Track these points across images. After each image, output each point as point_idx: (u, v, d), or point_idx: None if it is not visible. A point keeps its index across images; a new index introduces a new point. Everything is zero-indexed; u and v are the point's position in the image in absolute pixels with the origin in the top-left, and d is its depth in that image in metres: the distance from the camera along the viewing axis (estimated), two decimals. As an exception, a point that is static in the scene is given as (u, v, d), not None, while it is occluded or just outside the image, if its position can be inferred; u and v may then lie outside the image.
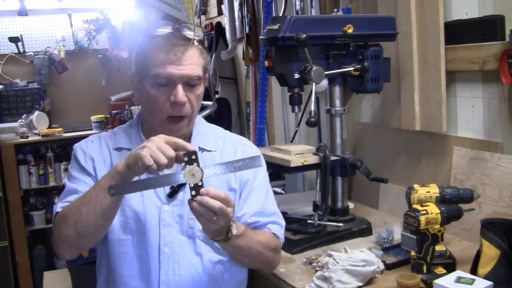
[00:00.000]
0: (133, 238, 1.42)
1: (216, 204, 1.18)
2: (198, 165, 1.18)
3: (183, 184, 1.43)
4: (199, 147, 1.51)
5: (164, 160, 1.19)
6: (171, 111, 1.41)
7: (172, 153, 1.21)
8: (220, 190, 1.21)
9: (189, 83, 1.41)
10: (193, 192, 1.18)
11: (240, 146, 1.56)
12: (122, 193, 1.21)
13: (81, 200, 1.33)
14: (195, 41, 1.42)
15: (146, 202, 1.43)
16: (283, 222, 1.55)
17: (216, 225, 1.22)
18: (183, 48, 1.39)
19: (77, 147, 1.51)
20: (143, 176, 1.27)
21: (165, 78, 1.38)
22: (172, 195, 1.44)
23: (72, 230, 1.32)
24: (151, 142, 1.22)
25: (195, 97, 1.44)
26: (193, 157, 1.19)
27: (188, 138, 1.51)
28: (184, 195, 1.44)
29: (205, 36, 3.86)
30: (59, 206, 1.41)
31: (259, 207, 1.50)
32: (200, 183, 1.18)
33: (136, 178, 1.27)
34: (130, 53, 4.14)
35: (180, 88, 1.39)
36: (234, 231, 1.29)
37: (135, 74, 1.47)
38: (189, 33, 1.41)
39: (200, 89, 1.45)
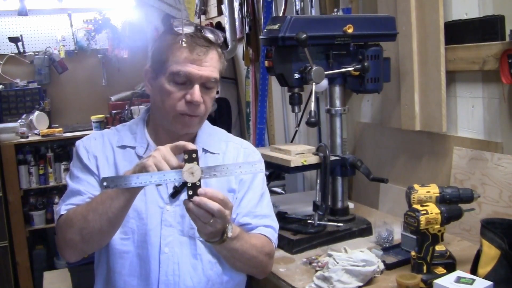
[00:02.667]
0: (133, 237, 1.42)
1: (215, 206, 1.16)
2: (198, 164, 1.16)
3: (186, 185, 1.43)
4: (203, 148, 1.51)
5: (167, 170, 1.18)
6: (185, 109, 1.41)
7: (175, 163, 1.20)
8: (218, 191, 1.19)
9: (206, 85, 1.42)
10: (190, 192, 1.16)
11: (242, 149, 1.57)
12: (115, 186, 1.18)
13: (88, 206, 1.32)
14: (216, 44, 1.43)
15: (148, 202, 1.43)
16: (276, 226, 1.54)
17: (213, 228, 1.21)
18: (205, 49, 1.39)
19: (80, 144, 1.50)
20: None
21: (184, 77, 1.38)
22: (174, 195, 1.43)
23: (78, 235, 1.31)
24: (157, 152, 1.22)
25: (210, 99, 1.45)
26: (193, 155, 1.17)
27: (193, 139, 1.51)
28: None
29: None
30: (62, 208, 1.40)
31: (251, 207, 1.49)
32: (198, 183, 1.16)
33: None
34: (132, 52, 4.15)
35: (197, 88, 1.39)
36: (230, 233, 1.27)
37: (151, 69, 1.46)
38: (210, 36, 1.41)
39: (215, 92, 1.47)
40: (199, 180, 1.16)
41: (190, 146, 1.22)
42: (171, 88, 1.40)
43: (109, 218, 1.27)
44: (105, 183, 1.17)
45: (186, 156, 1.17)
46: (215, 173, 1.18)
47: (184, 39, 1.36)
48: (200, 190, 1.16)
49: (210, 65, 1.40)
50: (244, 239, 1.38)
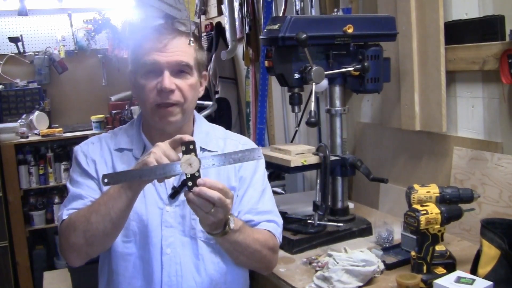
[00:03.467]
0: (135, 239, 1.42)
1: (215, 194, 1.17)
2: (196, 155, 1.16)
3: (185, 185, 1.43)
4: (200, 147, 1.50)
5: None
6: (158, 98, 1.40)
7: (175, 157, 1.21)
8: (217, 181, 1.19)
9: (178, 70, 1.41)
10: (190, 183, 1.16)
11: (241, 145, 1.56)
12: (116, 182, 1.18)
13: (90, 208, 1.32)
14: (185, 33, 1.42)
15: (148, 203, 1.43)
16: (280, 221, 1.53)
17: (215, 217, 1.21)
18: (170, 36, 1.40)
19: (78, 149, 1.51)
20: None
21: (151, 65, 1.39)
22: (173, 195, 1.43)
23: (81, 238, 1.31)
24: (157, 148, 1.22)
25: (187, 86, 1.42)
26: (191, 147, 1.17)
27: None
28: None
29: (205, 36, 3.85)
30: (64, 213, 1.40)
31: (252, 204, 1.48)
32: (197, 174, 1.16)
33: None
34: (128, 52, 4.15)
35: (166, 74, 1.38)
36: (232, 225, 1.27)
37: (131, 71, 1.48)
38: (179, 25, 1.43)
39: (192, 79, 1.44)
40: (198, 171, 1.16)
41: (187, 137, 1.22)
42: (144, 81, 1.41)
43: (112, 219, 1.27)
44: (106, 180, 1.17)
45: (183, 148, 1.17)
46: (213, 162, 1.18)
47: (149, 31, 1.40)
48: (199, 180, 1.16)
49: (177, 50, 1.39)
50: (247, 233, 1.37)
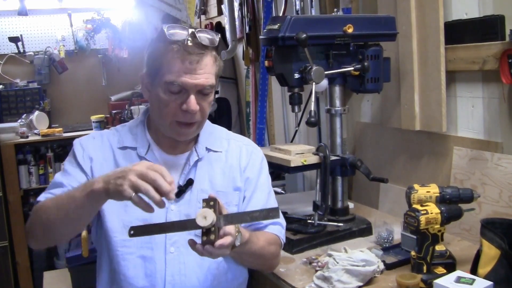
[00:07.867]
0: (137, 239, 1.42)
1: (222, 252, 1.20)
2: (215, 211, 1.16)
3: (190, 184, 1.45)
4: (206, 147, 1.51)
5: (151, 192, 1.15)
6: (182, 117, 1.40)
7: (156, 176, 1.15)
8: (228, 238, 1.19)
9: (202, 92, 1.40)
10: (205, 238, 1.16)
11: (244, 146, 1.58)
12: (143, 234, 1.22)
13: (55, 201, 1.34)
14: (210, 48, 1.40)
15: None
16: (284, 222, 1.57)
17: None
18: (198, 57, 1.36)
19: (77, 142, 1.50)
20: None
21: (178, 87, 1.36)
22: (179, 195, 1.44)
23: (40, 229, 1.35)
24: (131, 173, 1.15)
25: (207, 104, 1.43)
26: (211, 203, 1.17)
27: (195, 138, 1.52)
28: (191, 194, 1.45)
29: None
30: (42, 196, 1.43)
31: (260, 207, 1.49)
32: (213, 229, 1.16)
33: None
34: (132, 52, 4.15)
35: (193, 97, 1.37)
36: (237, 243, 1.27)
37: (147, 75, 1.45)
38: (204, 40, 1.38)
39: (212, 96, 1.45)
40: (213, 226, 1.16)
41: (168, 178, 1.17)
42: (167, 97, 1.38)
43: (69, 219, 1.29)
44: (132, 232, 1.19)
45: (204, 204, 1.18)
46: (231, 221, 1.20)
47: (175, 47, 1.35)
48: (217, 244, 1.17)
49: (205, 72, 1.38)
50: (253, 242, 1.39)
